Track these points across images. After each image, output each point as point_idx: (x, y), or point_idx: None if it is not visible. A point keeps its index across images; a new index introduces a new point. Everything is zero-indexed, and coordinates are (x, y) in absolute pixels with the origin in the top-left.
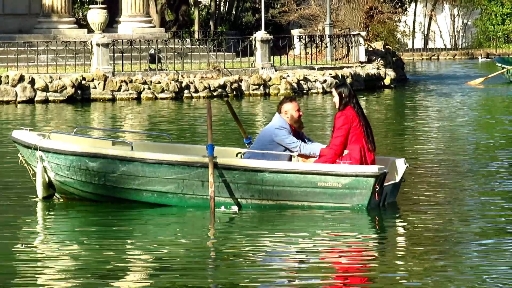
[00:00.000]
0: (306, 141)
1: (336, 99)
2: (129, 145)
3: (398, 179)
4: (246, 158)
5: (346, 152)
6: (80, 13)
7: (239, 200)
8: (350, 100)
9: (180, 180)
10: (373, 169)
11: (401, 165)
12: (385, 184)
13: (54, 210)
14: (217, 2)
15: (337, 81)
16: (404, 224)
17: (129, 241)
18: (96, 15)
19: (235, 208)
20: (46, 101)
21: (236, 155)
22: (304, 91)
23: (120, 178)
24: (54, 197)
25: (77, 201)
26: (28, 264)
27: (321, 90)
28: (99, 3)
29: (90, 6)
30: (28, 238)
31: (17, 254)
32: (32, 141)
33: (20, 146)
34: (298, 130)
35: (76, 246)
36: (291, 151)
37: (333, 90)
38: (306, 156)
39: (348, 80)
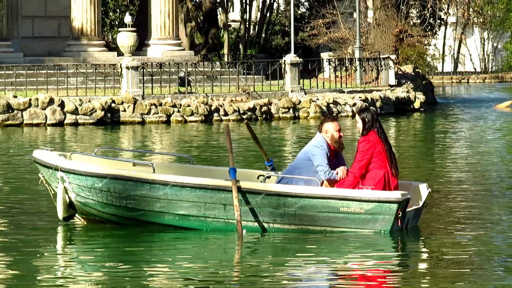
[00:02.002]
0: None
1: (360, 124)
2: (150, 167)
3: (420, 204)
4: (277, 181)
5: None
6: (110, 36)
7: (261, 224)
8: (374, 124)
9: (202, 203)
10: (396, 195)
11: (423, 190)
12: (407, 209)
13: (74, 231)
14: (247, 25)
15: (366, 104)
16: (426, 248)
17: (150, 264)
18: (126, 38)
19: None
20: (75, 124)
21: (258, 177)
22: (334, 115)
23: (142, 200)
24: (75, 217)
25: (97, 223)
26: (48, 285)
27: (350, 114)
28: (129, 26)
29: (119, 29)
30: (48, 258)
31: (38, 275)
32: (53, 162)
33: (40, 166)
34: (338, 150)
35: (96, 267)
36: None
37: (356, 116)
38: (332, 181)
39: (378, 104)
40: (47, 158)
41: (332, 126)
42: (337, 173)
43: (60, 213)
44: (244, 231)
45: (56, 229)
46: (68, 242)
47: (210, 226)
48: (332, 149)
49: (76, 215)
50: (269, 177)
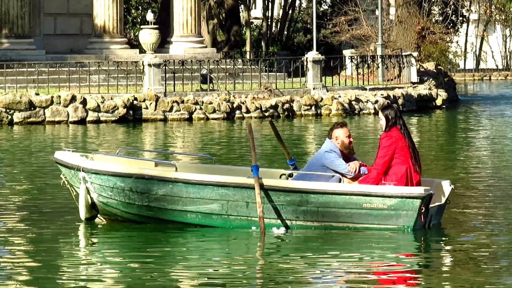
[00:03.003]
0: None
1: (383, 121)
2: (172, 166)
3: (443, 201)
4: (295, 179)
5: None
6: (132, 34)
7: (284, 221)
8: (397, 121)
9: (225, 201)
10: (419, 190)
11: (446, 187)
12: (430, 205)
13: (97, 231)
14: (269, 23)
15: (389, 101)
16: (449, 246)
17: (172, 262)
18: (148, 35)
19: (280, 230)
20: (97, 122)
21: (280, 177)
22: (356, 112)
23: (164, 199)
24: (97, 218)
25: (120, 222)
26: (70, 285)
27: (372, 111)
28: (151, 24)
29: (141, 27)
30: (71, 259)
31: (60, 275)
32: (75, 162)
33: (62, 167)
34: (348, 156)
35: (119, 267)
36: (342, 174)
37: (380, 113)
38: (354, 177)
39: (400, 101)
40: (68, 159)
41: (341, 132)
42: (353, 168)
43: (83, 214)
44: (275, 228)
45: (77, 229)
46: (90, 242)
47: (233, 224)
48: (343, 154)
49: (99, 215)
50: (291, 175)
